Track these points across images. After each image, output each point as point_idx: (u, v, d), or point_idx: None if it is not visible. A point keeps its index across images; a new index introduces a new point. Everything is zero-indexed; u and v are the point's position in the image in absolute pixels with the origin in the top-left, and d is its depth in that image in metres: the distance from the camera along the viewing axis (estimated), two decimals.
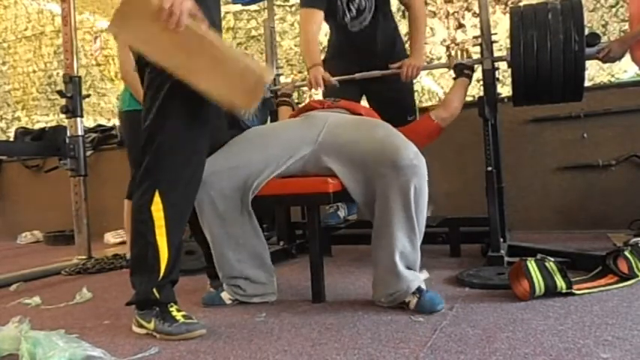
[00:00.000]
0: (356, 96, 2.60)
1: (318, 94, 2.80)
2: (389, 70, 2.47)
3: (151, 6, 1.30)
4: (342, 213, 2.68)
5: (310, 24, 2.50)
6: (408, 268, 1.65)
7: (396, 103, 2.57)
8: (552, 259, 1.69)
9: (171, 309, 1.54)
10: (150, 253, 1.52)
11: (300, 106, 2.47)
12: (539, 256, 1.70)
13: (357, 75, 2.46)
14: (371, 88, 2.60)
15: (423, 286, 1.65)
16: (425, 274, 1.71)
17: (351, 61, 2.53)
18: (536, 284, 1.62)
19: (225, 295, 1.84)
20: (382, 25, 2.58)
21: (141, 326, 1.57)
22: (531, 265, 1.65)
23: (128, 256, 2.70)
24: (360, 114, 1.99)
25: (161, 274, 1.53)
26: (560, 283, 1.64)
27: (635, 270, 1.78)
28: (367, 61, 2.51)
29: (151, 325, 1.53)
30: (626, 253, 1.81)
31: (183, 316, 1.54)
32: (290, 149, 1.80)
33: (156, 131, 1.53)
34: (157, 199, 1.50)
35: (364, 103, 2.66)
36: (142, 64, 1.56)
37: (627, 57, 2.32)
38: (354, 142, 1.74)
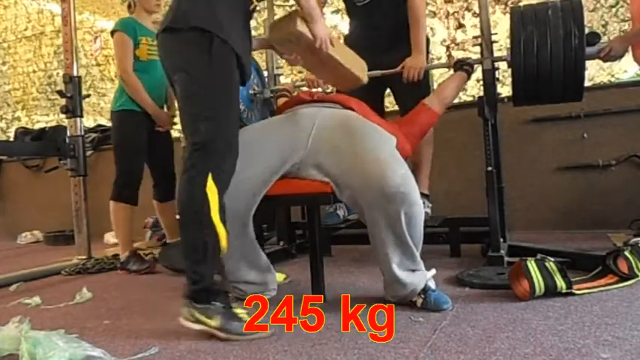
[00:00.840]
0: (380, 91, 2.58)
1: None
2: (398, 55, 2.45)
3: (307, 38, 1.71)
4: (341, 213, 2.68)
5: None
6: (411, 270, 1.65)
7: (413, 90, 2.54)
8: (552, 259, 1.69)
9: (235, 308, 1.52)
10: (210, 237, 1.51)
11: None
12: (539, 256, 1.70)
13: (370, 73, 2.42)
14: (390, 78, 2.53)
15: (431, 284, 1.66)
16: (432, 271, 1.71)
17: (365, 54, 2.47)
18: (536, 284, 1.62)
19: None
20: (388, 3, 2.54)
21: (199, 322, 1.49)
22: (531, 265, 1.65)
23: (122, 256, 2.73)
24: (351, 108, 1.89)
25: (225, 254, 1.54)
26: (560, 283, 1.64)
27: (635, 270, 1.78)
28: (377, 49, 2.47)
29: (215, 323, 1.47)
30: (626, 253, 1.81)
31: (247, 314, 1.52)
32: (282, 156, 1.76)
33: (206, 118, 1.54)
34: (210, 182, 1.51)
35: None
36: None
37: (627, 57, 2.32)
38: (341, 152, 1.69)
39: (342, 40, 2.65)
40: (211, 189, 1.51)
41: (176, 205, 1.59)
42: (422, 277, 1.66)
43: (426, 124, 2.15)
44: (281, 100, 2.54)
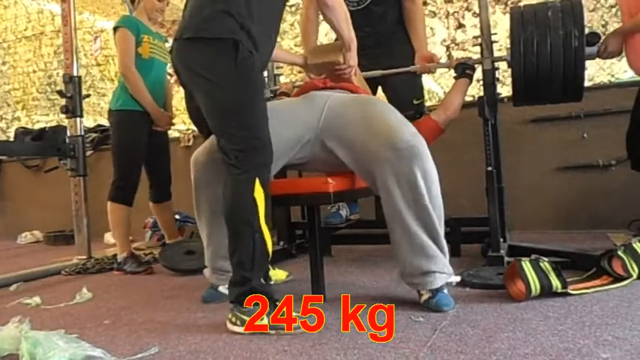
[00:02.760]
0: (373, 92, 2.59)
1: None
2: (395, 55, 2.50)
3: (337, 62, 1.94)
4: (344, 212, 2.69)
5: (307, 8, 2.54)
6: (434, 258, 1.62)
7: (404, 85, 2.57)
8: (547, 259, 1.69)
9: (278, 304, 1.54)
10: (259, 242, 1.53)
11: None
12: (533, 256, 1.70)
13: (367, 74, 2.44)
14: (383, 79, 2.58)
15: (444, 287, 1.64)
16: (456, 278, 1.70)
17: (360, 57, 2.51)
18: (532, 284, 1.62)
19: (223, 288, 1.84)
20: (382, 9, 2.56)
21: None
22: (526, 265, 1.65)
23: (119, 257, 2.73)
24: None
25: (269, 260, 1.57)
26: (556, 282, 1.64)
27: (630, 269, 1.78)
28: (372, 52, 2.51)
29: (264, 322, 1.49)
30: (620, 252, 1.81)
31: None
32: (295, 133, 1.79)
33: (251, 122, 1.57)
34: (257, 186, 1.52)
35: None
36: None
37: None
38: (352, 122, 1.73)
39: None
40: (259, 193, 1.52)
41: (224, 211, 1.59)
42: (443, 278, 1.63)
43: (424, 130, 2.18)
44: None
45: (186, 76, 1.65)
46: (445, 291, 1.65)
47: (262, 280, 1.56)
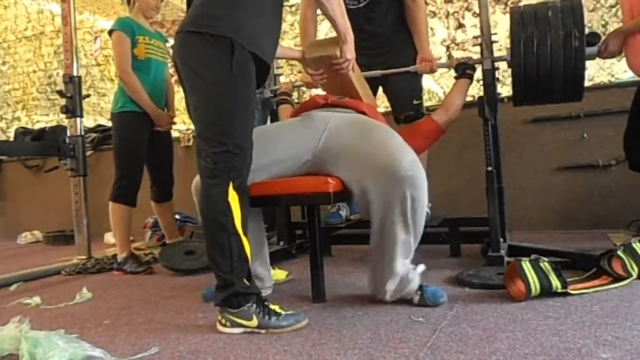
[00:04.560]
0: (373, 91, 2.60)
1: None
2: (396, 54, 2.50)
3: (337, 58, 1.89)
4: (343, 212, 2.69)
5: (305, 8, 2.54)
6: (408, 267, 1.67)
7: (404, 85, 2.56)
8: (546, 259, 1.69)
9: (267, 303, 1.55)
10: (235, 245, 1.52)
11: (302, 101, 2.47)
12: (533, 256, 1.70)
13: (367, 74, 2.44)
14: (384, 79, 2.58)
15: (421, 282, 1.69)
16: (421, 267, 1.73)
17: (359, 56, 2.51)
18: (532, 284, 1.62)
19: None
20: (383, 9, 2.56)
21: (237, 325, 1.52)
22: (526, 265, 1.65)
23: (119, 257, 2.73)
24: (363, 112, 1.96)
25: (249, 262, 1.56)
26: (556, 282, 1.64)
27: (630, 269, 1.78)
28: (372, 51, 2.51)
29: (254, 323, 1.51)
30: (619, 252, 1.82)
31: (281, 308, 1.55)
32: (293, 155, 1.80)
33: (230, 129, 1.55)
34: (231, 190, 1.52)
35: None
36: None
37: None
38: (352, 146, 1.73)
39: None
40: (233, 198, 1.52)
41: (199, 214, 1.60)
42: (415, 276, 1.68)
43: (429, 139, 2.23)
44: (282, 108, 2.58)
45: (181, 69, 1.64)
46: (419, 281, 1.68)
47: (246, 282, 1.55)
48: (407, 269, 1.67)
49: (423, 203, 1.63)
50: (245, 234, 1.55)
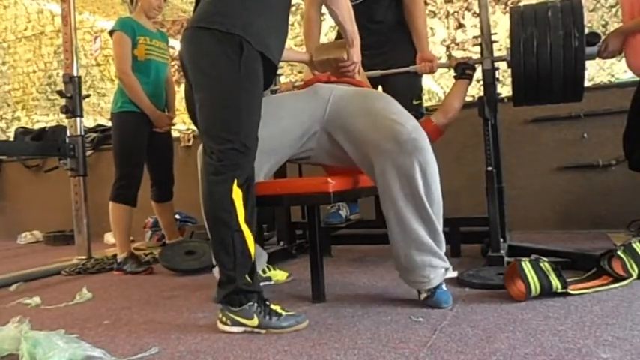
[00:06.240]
0: (374, 88, 2.61)
1: None
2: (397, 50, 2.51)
3: (342, 59, 1.92)
4: (343, 212, 2.69)
5: (309, 8, 2.54)
6: (431, 254, 1.64)
7: (404, 85, 2.56)
8: (546, 259, 1.69)
9: (269, 303, 1.54)
10: (239, 241, 1.52)
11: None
12: (533, 256, 1.70)
13: (367, 73, 2.44)
14: (383, 79, 2.58)
15: (442, 284, 1.66)
16: (453, 273, 1.72)
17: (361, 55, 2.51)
18: (532, 284, 1.62)
19: None
20: (382, 8, 2.56)
21: (238, 324, 1.52)
22: (526, 265, 1.65)
23: (119, 257, 2.73)
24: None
25: (252, 259, 1.55)
26: (556, 282, 1.64)
27: (630, 269, 1.78)
28: (371, 51, 2.50)
29: (255, 322, 1.50)
30: (619, 252, 1.82)
31: (282, 308, 1.55)
32: (301, 125, 1.82)
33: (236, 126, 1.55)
34: (235, 187, 1.52)
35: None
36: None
37: None
38: (355, 114, 1.75)
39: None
40: (237, 194, 1.52)
41: (202, 210, 1.59)
42: (440, 275, 1.66)
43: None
44: None
45: (188, 66, 1.62)
46: (444, 287, 1.67)
47: (248, 279, 1.54)
48: (435, 251, 1.63)
49: (433, 168, 1.61)
50: (250, 229, 1.55)
